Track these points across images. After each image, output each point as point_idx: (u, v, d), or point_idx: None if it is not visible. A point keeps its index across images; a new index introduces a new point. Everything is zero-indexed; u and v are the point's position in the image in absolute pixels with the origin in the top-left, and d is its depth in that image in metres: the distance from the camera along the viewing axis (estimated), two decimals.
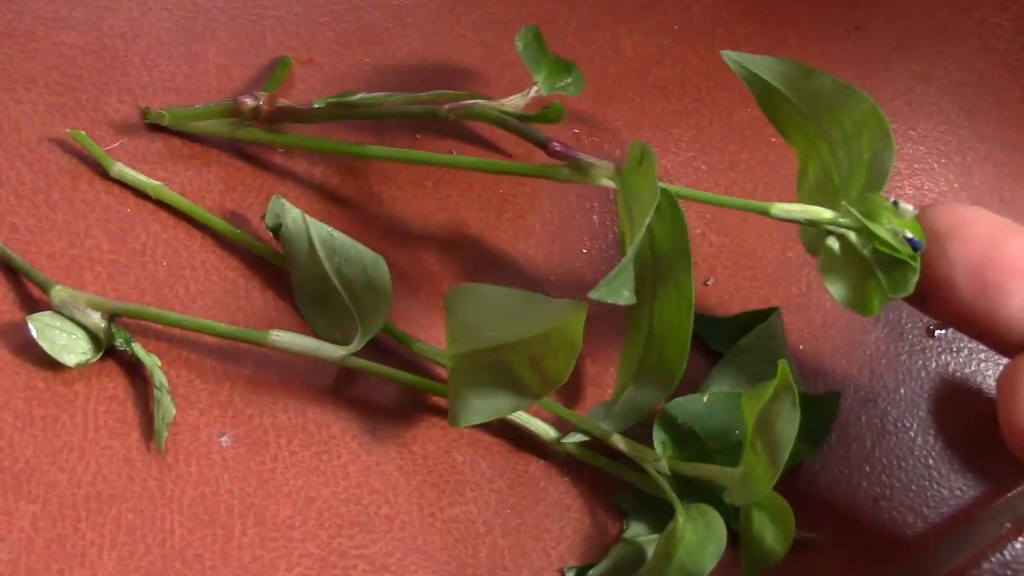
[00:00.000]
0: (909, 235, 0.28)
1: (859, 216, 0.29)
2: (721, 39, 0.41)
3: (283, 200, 0.32)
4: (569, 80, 0.36)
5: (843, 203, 0.30)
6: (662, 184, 0.29)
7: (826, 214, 0.31)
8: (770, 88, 0.33)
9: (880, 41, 0.42)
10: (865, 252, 0.30)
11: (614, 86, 0.39)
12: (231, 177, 0.35)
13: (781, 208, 0.31)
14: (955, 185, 0.39)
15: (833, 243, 0.31)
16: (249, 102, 0.34)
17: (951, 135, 0.40)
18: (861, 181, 0.31)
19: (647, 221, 0.27)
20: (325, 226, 0.31)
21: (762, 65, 0.33)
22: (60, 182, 0.34)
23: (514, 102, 0.34)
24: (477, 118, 0.34)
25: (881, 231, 0.29)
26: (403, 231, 0.35)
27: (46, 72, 0.35)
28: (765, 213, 0.31)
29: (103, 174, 0.34)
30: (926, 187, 0.39)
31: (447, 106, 0.34)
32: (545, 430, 0.31)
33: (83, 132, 0.34)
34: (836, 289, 0.30)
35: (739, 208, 0.32)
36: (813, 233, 0.32)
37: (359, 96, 0.35)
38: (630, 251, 0.27)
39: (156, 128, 0.35)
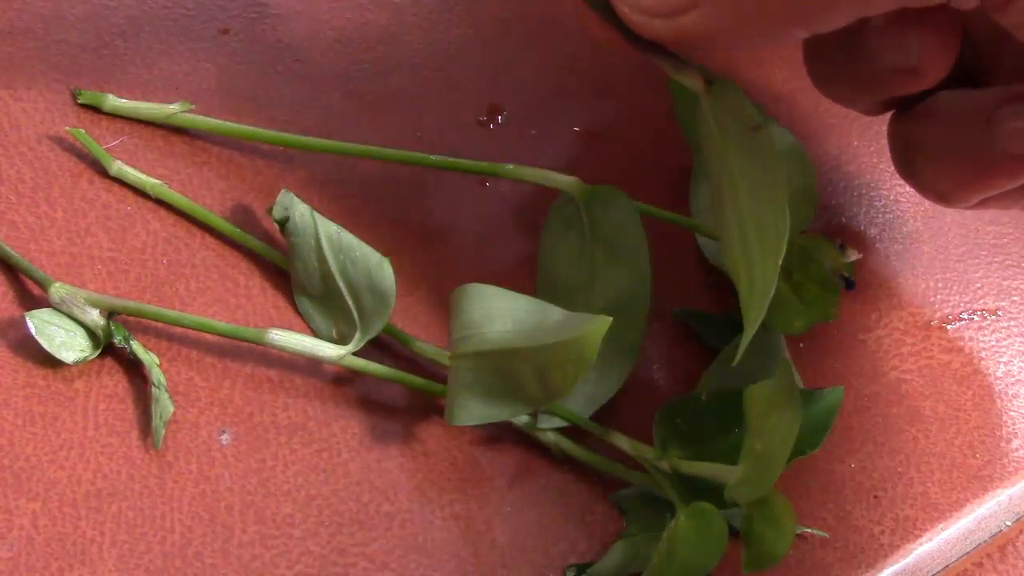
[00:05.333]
0: (846, 275, 0.32)
1: (806, 248, 0.32)
2: None
3: (292, 194, 0.32)
4: None
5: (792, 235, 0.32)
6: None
7: None
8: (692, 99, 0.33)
9: None
10: (783, 280, 0.32)
11: (615, 84, 0.39)
12: (231, 175, 0.35)
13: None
14: None
15: None
16: None
17: None
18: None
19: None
20: (332, 224, 0.31)
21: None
22: (60, 180, 0.34)
23: None
24: None
25: (822, 267, 0.32)
26: (403, 230, 0.35)
27: (46, 70, 0.35)
28: (697, 230, 0.34)
29: (103, 172, 0.34)
30: None
31: None
32: (521, 417, 0.31)
33: (83, 130, 0.34)
34: None
35: (683, 226, 0.34)
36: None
37: None
38: (753, 325, 0.25)
39: (155, 125, 0.35)
